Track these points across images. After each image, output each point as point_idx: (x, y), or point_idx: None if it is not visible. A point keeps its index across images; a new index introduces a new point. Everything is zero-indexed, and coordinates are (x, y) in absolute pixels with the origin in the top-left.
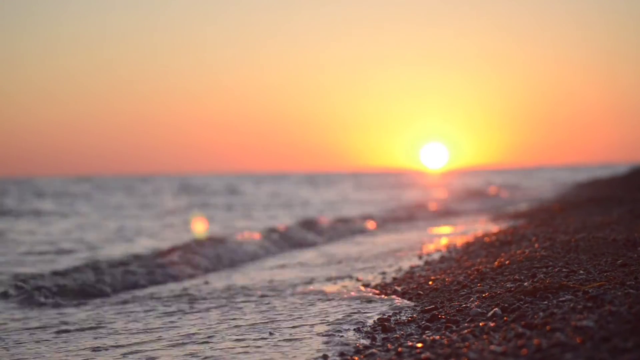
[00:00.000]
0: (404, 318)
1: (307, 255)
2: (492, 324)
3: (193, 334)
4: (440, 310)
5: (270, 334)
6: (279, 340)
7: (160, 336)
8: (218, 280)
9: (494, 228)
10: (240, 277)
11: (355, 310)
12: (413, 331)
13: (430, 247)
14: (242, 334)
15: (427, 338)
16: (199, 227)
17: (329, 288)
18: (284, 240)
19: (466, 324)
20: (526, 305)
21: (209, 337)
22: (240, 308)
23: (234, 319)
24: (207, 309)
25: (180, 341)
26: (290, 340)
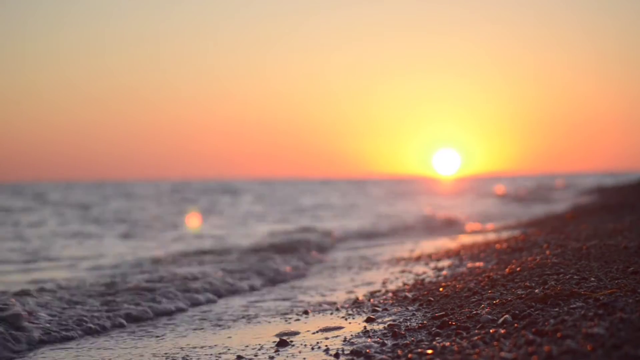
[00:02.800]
0: (414, 324)
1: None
2: (502, 331)
3: None
4: (451, 316)
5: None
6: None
7: None
8: None
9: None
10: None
11: (365, 316)
12: (423, 337)
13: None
14: None
15: (438, 344)
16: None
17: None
18: None
19: (476, 331)
20: (537, 312)
21: None
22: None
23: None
24: None
25: None
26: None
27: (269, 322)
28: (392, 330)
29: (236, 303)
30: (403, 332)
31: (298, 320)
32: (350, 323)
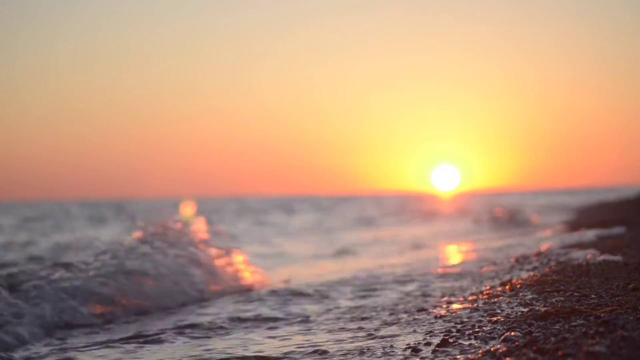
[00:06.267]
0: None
1: None
2: (503, 349)
3: None
4: (451, 334)
5: None
6: None
7: None
8: None
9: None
10: None
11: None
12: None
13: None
14: None
15: None
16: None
17: None
18: None
19: (477, 349)
20: (538, 329)
21: None
22: None
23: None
24: None
25: None
26: None
27: None
28: (392, 351)
29: None
30: (402, 351)
31: None
32: None
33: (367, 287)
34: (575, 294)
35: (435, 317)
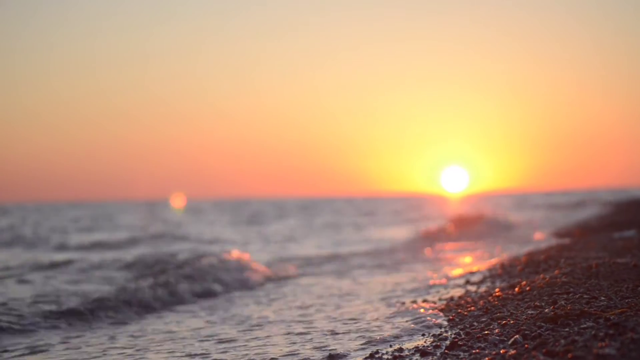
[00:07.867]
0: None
1: None
2: (512, 352)
3: None
4: (460, 337)
5: None
6: None
7: None
8: None
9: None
10: None
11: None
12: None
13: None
14: None
15: None
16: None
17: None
18: None
19: (487, 352)
20: (547, 332)
21: None
22: None
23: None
24: None
25: None
26: None
27: None
28: (400, 354)
29: None
30: (411, 354)
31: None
32: (351, 345)
33: None
34: (585, 296)
35: (445, 319)
